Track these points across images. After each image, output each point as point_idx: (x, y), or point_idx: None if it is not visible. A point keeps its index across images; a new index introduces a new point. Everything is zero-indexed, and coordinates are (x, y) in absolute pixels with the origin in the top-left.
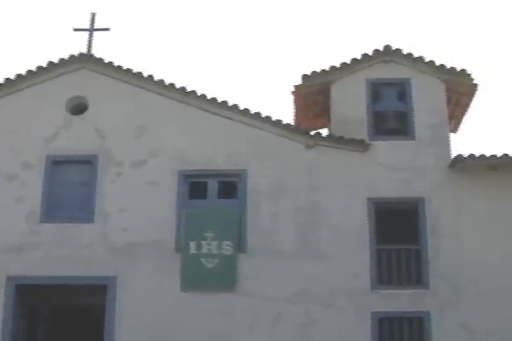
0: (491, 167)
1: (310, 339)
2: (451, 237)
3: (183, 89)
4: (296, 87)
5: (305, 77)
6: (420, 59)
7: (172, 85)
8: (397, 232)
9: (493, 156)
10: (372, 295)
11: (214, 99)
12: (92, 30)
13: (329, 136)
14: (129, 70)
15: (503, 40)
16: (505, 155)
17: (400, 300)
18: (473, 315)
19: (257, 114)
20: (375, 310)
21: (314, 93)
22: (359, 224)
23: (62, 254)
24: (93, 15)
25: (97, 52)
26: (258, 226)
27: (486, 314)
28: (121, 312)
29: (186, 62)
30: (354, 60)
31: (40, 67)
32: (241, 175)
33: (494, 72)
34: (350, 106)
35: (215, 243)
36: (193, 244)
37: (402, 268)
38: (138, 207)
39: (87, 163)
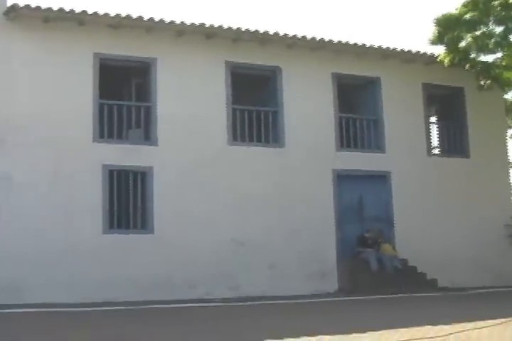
0: (46, 19)
1: None
2: None
3: None
4: None
5: None
6: None
7: None
8: None
9: (49, 9)
10: None
11: None
12: None
13: None
14: None
15: None
16: (61, 8)
17: None
18: (13, 164)
19: None
20: None
21: None
22: None
23: None
24: None
25: None
26: None
27: (25, 164)
28: None
29: None
30: None
31: None
32: None
33: None
34: None
35: None
36: None
37: None
38: None
39: None
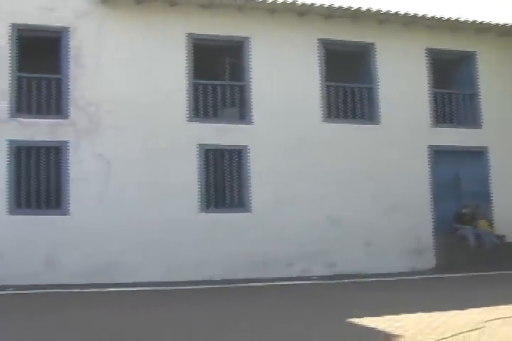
0: (138, 0)
1: None
2: (92, 68)
3: None
4: None
5: None
6: None
7: None
8: (41, 60)
9: None
10: (11, 123)
11: None
12: None
13: None
14: None
15: None
16: None
17: (38, 129)
18: (109, 146)
19: None
20: (12, 139)
21: None
22: (1, 51)
23: None
24: None
25: None
26: None
27: (121, 145)
28: None
29: None
30: None
31: None
32: None
33: None
34: None
35: None
36: None
37: (43, 97)
38: None
39: None
